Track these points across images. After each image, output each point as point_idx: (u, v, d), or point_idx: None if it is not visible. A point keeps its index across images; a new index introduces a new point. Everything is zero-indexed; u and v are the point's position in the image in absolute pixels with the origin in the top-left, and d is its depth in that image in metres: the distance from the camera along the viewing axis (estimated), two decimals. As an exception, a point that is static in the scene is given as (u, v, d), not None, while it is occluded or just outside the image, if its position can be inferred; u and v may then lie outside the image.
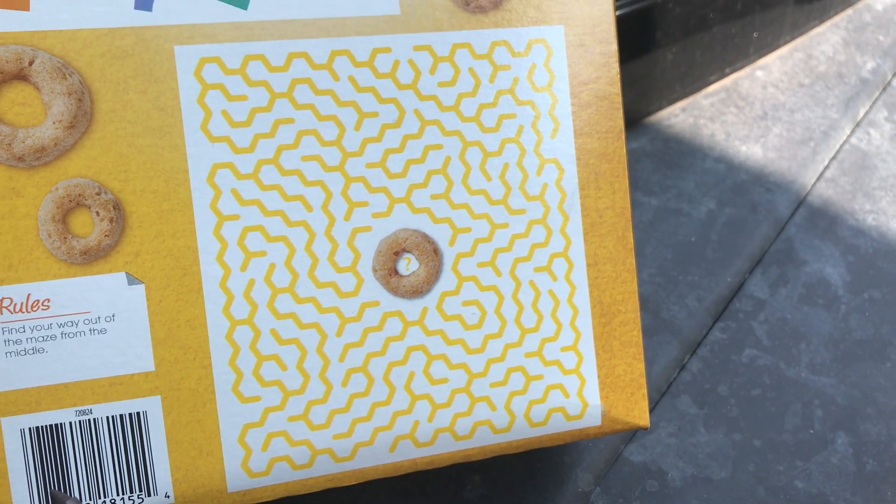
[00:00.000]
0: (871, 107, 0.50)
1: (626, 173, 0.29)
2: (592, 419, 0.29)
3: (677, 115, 0.49)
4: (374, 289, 0.26)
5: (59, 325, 0.24)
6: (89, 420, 0.24)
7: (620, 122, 0.29)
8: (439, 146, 0.27)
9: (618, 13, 0.43)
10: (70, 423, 0.24)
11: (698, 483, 0.33)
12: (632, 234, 0.29)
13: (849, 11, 0.57)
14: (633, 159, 0.46)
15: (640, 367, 0.29)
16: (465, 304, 0.27)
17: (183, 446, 0.25)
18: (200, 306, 0.25)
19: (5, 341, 0.24)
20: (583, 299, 0.28)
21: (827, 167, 0.46)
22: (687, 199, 0.44)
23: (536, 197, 0.28)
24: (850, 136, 0.48)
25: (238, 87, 0.25)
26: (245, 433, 0.25)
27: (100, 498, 0.24)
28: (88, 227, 0.24)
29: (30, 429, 0.24)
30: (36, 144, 0.23)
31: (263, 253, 0.26)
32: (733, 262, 0.41)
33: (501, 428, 0.28)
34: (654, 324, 0.38)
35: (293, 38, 0.26)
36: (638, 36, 0.45)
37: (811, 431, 0.35)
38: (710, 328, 0.39)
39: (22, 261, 0.24)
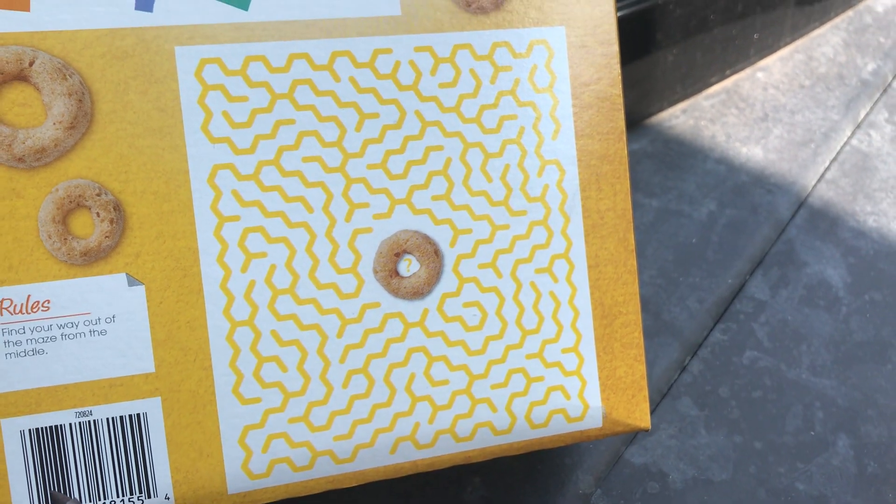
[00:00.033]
0: (871, 108, 0.50)
1: (628, 175, 0.29)
2: (593, 421, 0.29)
3: (678, 117, 0.49)
4: (374, 290, 0.26)
5: (59, 327, 0.24)
6: (89, 421, 0.24)
7: (622, 124, 0.29)
8: (440, 147, 0.27)
9: (618, 14, 0.43)
10: (70, 424, 0.24)
11: (699, 485, 0.33)
12: (633, 236, 0.29)
13: (849, 13, 0.57)
14: (634, 161, 0.46)
15: (642, 368, 0.29)
16: (466, 305, 0.27)
17: (183, 448, 0.25)
18: (201, 307, 0.25)
19: (5, 342, 0.24)
20: (584, 301, 0.28)
21: (828, 169, 0.46)
22: (688, 200, 0.44)
23: (537, 198, 0.28)
24: (850, 138, 0.48)
25: (239, 88, 0.25)
26: (245, 435, 0.25)
27: (100, 500, 0.24)
28: (89, 228, 0.24)
29: (30, 430, 0.24)
30: (36, 145, 0.23)
31: (264, 254, 0.25)
32: (734, 264, 0.41)
33: (502, 430, 0.28)
34: (655, 325, 0.38)
35: (294, 39, 0.26)
36: (638, 37, 0.45)
37: (812, 433, 0.35)
38: (711, 330, 0.39)
39: (22, 262, 0.24)
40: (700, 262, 0.41)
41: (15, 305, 0.24)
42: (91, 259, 0.24)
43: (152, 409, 0.25)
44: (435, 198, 0.27)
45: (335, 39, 0.26)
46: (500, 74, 0.27)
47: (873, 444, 0.34)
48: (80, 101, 0.24)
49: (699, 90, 0.50)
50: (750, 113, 0.49)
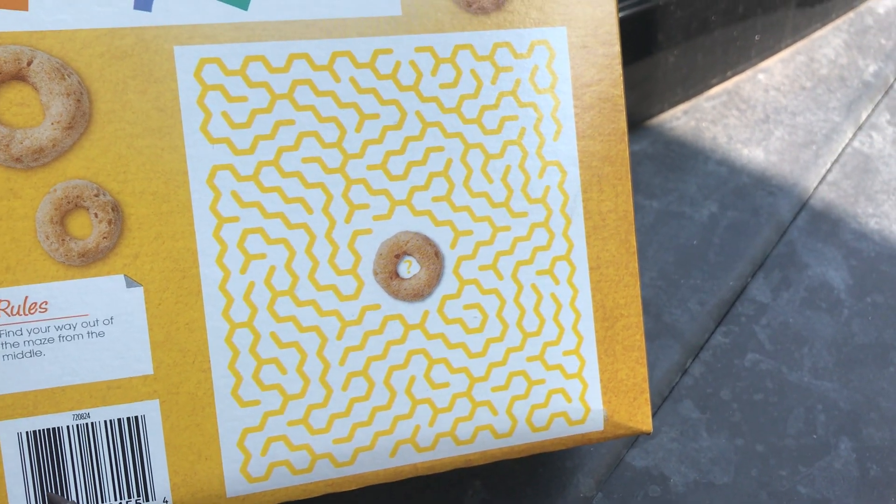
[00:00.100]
0: (873, 110, 0.50)
1: (629, 176, 0.29)
2: (595, 424, 0.28)
3: (679, 118, 0.48)
4: (374, 292, 0.26)
5: (57, 328, 0.24)
6: (87, 424, 0.24)
7: (623, 125, 0.29)
8: (441, 148, 0.27)
9: (619, 15, 0.43)
10: (68, 426, 0.24)
11: (700, 488, 0.33)
12: (634, 238, 0.29)
13: (851, 14, 0.56)
14: (635, 162, 0.46)
15: (643, 371, 0.29)
16: (467, 307, 0.27)
17: (181, 450, 0.25)
18: (200, 309, 0.25)
19: (2, 344, 0.23)
20: (585, 303, 0.28)
21: (829, 170, 0.46)
22: (689, 202, 0.44)
23: (539, 200, 0.28)
24: (852, 140, 0.48)
25: (238, 88, 0.25)
26: (244, 437, 0.25)
27: (97, 503, 0.24)
28: (87, 228, 0.24)
29: (27, 433, 0.24)
30: (34, 145, 0.23)
31: (263, 255, 0.25)
32: (735, 266, 0.41)
33: (503, 432, 0.27)
34: (656, 328, 0.38)
35: (294, 39, 0.25)
36: (639, 38, 0.45)
37: (814, 436, 0.35)
38: (713, 332, 0.38)
39: (19, 263, 0.23)
40: (701, 264, 0.41)
41: (12, 307, 0.23)
42: (89, 260, 0.24)
43: (150, 411, 0.25)
44: (435, 199, 0.27)
45: (335, 39, 0.26)
46: (501, 75, 0.27)
47: (875, 447, 0.34)
48: (78, 100, 0.24)
49: (700, 91, 0.50)
50: (751, 114, 0.49)
